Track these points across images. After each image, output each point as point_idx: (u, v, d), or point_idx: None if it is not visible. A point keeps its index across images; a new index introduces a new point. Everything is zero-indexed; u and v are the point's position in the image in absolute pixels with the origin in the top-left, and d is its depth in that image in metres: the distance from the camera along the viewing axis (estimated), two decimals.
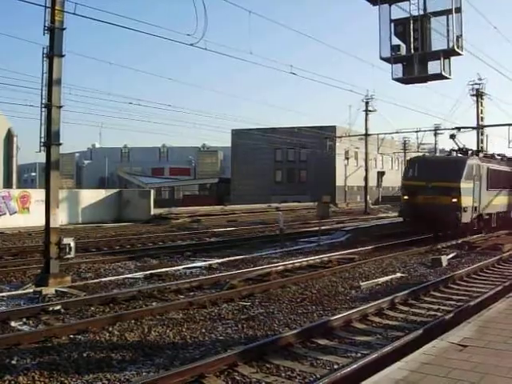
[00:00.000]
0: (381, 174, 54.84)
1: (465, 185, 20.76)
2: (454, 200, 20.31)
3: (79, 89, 42.77)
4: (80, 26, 25.53)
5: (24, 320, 9.01)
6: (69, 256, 12.30)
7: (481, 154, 25.27)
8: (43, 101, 12.21)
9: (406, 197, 22.19)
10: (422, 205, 20.76)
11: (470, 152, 24.39)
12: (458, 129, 26.28)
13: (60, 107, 12.32)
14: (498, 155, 28.25)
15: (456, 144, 25.41)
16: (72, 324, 8.63)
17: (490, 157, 26.27)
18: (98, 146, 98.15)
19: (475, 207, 21.53)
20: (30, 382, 6.15)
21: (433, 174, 21.21)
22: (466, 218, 20.93)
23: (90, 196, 32.44)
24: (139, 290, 11.15)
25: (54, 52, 12.06)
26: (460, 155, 24.01)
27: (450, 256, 16.80)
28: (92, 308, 9.85)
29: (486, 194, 22.70)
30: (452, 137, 25.66)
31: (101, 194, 33.68)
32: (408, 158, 47.38)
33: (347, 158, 59.07)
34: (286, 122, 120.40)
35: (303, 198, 52.44)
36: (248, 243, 20.56)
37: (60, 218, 13.08)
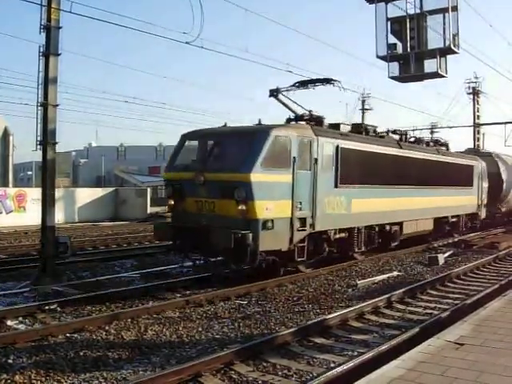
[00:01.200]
0: None
1: (265, 177, 11.08)
2: (242, 207, 10.95)
3: (70, 86, 42.34)
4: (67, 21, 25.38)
5: (20, 319, 8.97)
6: (65, 255, 12.28)
7: (347, 127, 14.90)
8: (39, 99, 12.18)
9: (171, 201, 12.56)
10: (194, 215, 11.83)
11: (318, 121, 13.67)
12: (313, 81, 14.29)
13: (56, 106, 12.28)
14: (387, 131, 17.46)
15: (286, 107, 13.95)
16: (68, 323, 8.62)
17: (354, 129, 15.34)
18: (94, 144, 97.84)
19: (303, 220, 12.03)
20: (26, 381, 6.14)
21: (210, 160, 12.11)
22: (275, 241, 11.40)
23: (87, 195, 32.40)
24: (135, 289, 11.15)
25: (50, 51, 12.02)
26: (263, 124, 12.77)
27: (447, 254, 16.84)
28: (88, 307, 9.82)
29: (333, 195, 13.14)
30: (273, 94, 13.65)
31: (97, 192, 33.65)
32: None
33: None
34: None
35: None
36: None
37: (56, 216, 13.04)
